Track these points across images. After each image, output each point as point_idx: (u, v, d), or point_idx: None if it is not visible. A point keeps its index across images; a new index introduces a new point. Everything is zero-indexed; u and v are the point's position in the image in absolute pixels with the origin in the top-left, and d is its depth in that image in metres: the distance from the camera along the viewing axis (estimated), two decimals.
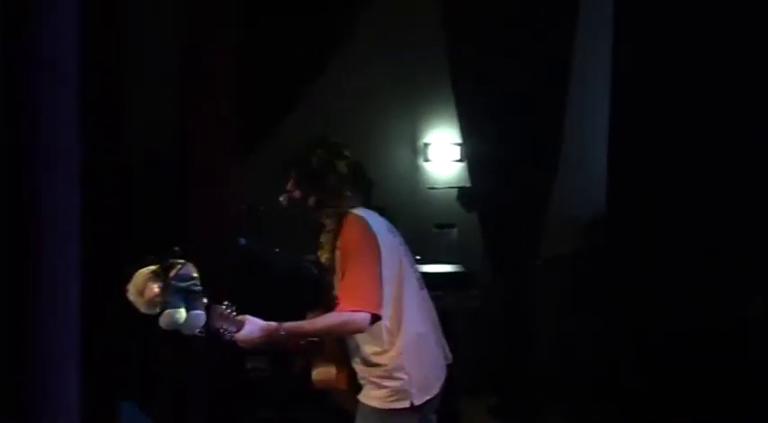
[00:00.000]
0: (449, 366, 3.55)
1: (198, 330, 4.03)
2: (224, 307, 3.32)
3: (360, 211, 3.44)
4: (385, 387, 3.35)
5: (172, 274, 3.63)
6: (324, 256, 3.48)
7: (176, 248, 3.68)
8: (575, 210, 7.36)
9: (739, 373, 5.98)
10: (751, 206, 6.02)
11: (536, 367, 6.54)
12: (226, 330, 3.31)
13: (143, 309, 3.69)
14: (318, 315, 3.47)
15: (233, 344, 3.35)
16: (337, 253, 3.38)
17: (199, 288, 3.77)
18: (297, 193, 3.52)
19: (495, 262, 6.68)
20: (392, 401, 3.34)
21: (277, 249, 5.96)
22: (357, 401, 3.45)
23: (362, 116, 7.27)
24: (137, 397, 4.24)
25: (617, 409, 6.18)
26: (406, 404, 3.34)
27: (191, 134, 5.61)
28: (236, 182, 5.67)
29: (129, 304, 3.64)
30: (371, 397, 3.39)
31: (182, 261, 3.73)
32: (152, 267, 3.65)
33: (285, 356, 5.87)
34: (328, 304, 3.44)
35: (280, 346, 3.46)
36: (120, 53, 4.55)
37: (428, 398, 3.39)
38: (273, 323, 3.30)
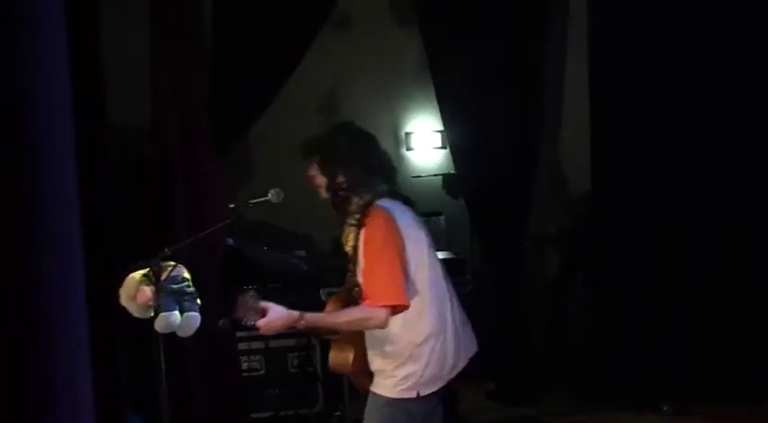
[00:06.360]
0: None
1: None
2: (249, 297, 3.29)
3: (385, 203, 3.37)
4: (394, 376, 3.34)
5: (163, 276, 3.61)
6: (348, 246, 3.43)
7: (166, 250, 3.65)
8: (560, 188, 7.36)
9: (727, 345, 6.00)
10: (733, 184, 6.04)
11: (531, 349, 6.53)
12: (248, 320, 3.28)
13: (136, 313, 3.66)
14: (338, 302, 3.46)
15: (252, 329, 3.31)
16: (361, 243, 3.32)
17: (192, 289, 3.75)
18: (320, 179, 3.43)
19: (484, 246, 6.66)
20: (399, 390, 3.34)
21: (266, 247, 5.91)
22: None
23: (342, 109, 7.21)
24: (138, 405, 4.19)
25: (611, 387, 6.18)
26: (412, 394, 3.34)
27: (166, 135, 5.55)
28: (219, 180, 5.61)
29: (123, 309, 3.61)
30: (381, 386, 3.40)
31: (172, 263, 3.70)
32: (143, 271, 3.62)
33: (279, 356, 5.86)
34: (350, 291, 3.41)
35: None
36: (99, 56, 4.49)
37: (434, 390, 3.38)
38: (296, 313, 3.28)
